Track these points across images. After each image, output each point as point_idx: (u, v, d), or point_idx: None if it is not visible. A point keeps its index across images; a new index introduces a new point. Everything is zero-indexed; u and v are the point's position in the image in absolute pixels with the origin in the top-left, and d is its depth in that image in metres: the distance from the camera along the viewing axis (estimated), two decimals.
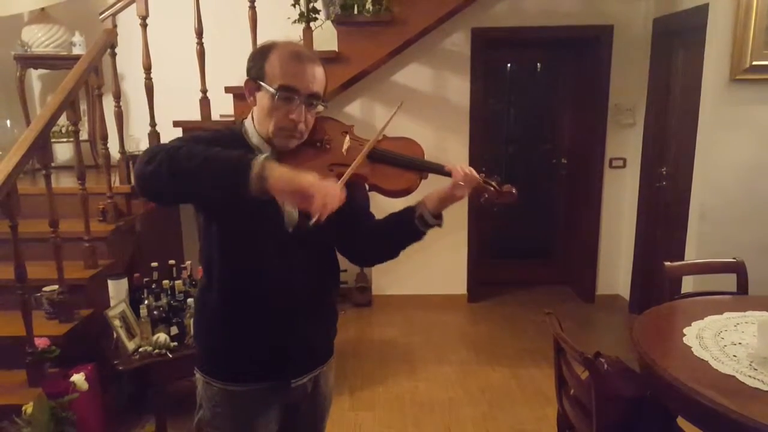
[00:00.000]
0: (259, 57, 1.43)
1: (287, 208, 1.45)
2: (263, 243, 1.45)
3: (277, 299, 1.47)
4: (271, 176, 1.22)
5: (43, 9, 4.29)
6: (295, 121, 1.38)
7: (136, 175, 1.33)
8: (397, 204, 1.54)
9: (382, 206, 1.59)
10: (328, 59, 3.49)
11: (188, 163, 1.26)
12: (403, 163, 1.49)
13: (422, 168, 1.49)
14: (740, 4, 3.11)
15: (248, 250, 1.45)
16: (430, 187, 1.53)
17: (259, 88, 1.42)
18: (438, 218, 1.50)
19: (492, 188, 1.52)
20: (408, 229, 1.52)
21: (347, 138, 1.49)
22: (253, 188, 1.22)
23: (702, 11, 3.39)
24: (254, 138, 1.46)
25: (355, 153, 1.44)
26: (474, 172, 1.48)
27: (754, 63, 3.16)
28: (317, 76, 1.43)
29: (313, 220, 1.23)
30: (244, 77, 1.46)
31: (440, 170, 1.49)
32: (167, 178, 1.27)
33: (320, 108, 1.45)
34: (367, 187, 1.50)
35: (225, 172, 1.25)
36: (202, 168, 1.25)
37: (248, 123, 1.48)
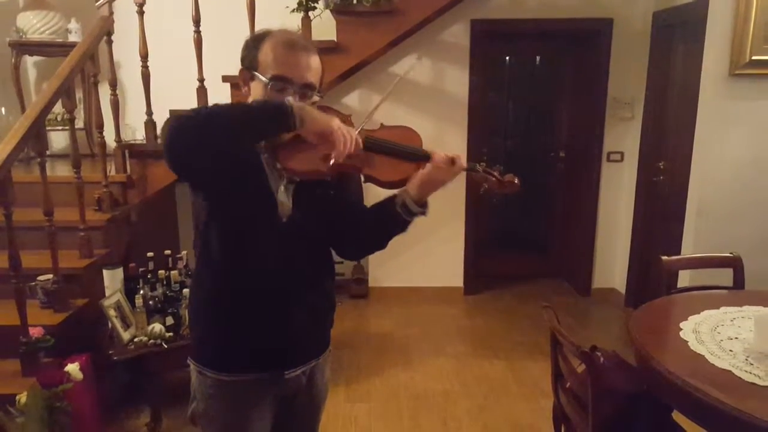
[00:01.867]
0: (253, 46, 1.42)
1: (280, 198, 1.44)
2: (258, 233, 1.44)
3: (272, 290, 1.45)
4: (308, 117, 1.31)
5: None
6: None
7: (169, 131, 1.26)
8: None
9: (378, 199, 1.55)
10: (327, 49, 3.46)
11: (230, 111, 1.32)
12: (400, 152, 1.44)
13: (419, 157, 1.43)
14: None
15: (243, 240, 1.43)
16: None
17: (252, 77, 1.41)
18: (422, 206, 1.45)
19: (493, 178, 1.50)
20: (391, 217, 1.46)
21: None
22: (297, 127, 1.30)
23: (702, 5, 3.38)
24: None
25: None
26: (461, 160, 1.42)
27: (754, 58, 3.14)
28: (312, 66, 1.41)
29: (332, 161, 1.33)
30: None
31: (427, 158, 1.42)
32: (205, 129, 1.26)
33: (315, 98, 1.43)
34: (362, 178, 1.46)
35: (268, 114, 1.31)
36: (244, 114, 1.32)
37: None
